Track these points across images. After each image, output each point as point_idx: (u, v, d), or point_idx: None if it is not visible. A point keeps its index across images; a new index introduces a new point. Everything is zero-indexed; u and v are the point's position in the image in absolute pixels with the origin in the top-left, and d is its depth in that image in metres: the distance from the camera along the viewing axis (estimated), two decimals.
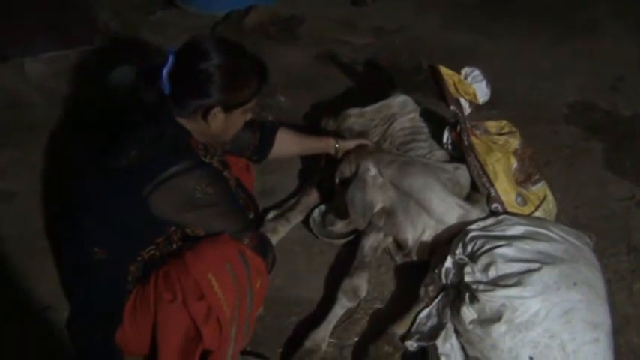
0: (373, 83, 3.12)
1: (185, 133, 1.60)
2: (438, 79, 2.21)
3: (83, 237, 1.61)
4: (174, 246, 1.65)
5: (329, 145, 2.20)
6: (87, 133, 2.59)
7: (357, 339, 1.96)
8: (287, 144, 2.10)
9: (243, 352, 1.82)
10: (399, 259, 2.18)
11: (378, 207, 2.12)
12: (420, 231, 2.09)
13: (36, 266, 2.05)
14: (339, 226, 2.25)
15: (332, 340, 1.93)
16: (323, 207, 2.33)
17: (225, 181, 1.73)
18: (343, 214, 2.14)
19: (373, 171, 2.09)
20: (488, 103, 2.46)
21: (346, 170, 2.18)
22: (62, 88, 2.96)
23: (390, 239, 2.18)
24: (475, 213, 2.02)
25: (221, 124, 1.62)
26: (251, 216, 1.86)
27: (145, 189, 1.49)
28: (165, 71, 1.52)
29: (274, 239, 2.17)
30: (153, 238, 1.62)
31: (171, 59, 1.53)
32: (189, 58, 1.54)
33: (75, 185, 1.68)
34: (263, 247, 1.74)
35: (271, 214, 2.31)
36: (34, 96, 2.91)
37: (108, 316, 1.62)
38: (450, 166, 2.14)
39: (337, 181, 2.22)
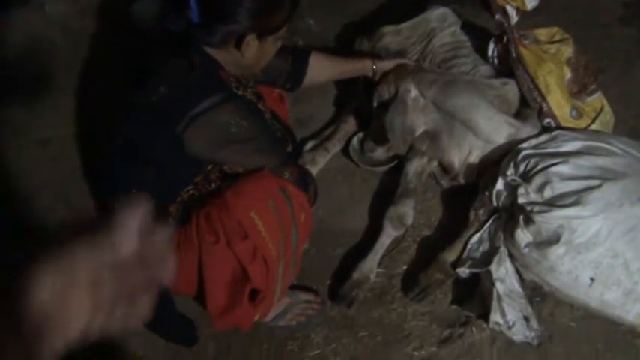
0: None
1: (215, 65, 1.50)
2: None
3: (119, 179, 1.57)
4: (213, 185, 1.60)
5: (366, 67, 2.06)
6: (116, 71, 2.52)
7: (405, 267, 1.92)
8: (321, 68, 1.98)
9: (292, 287, 1.80)
10: (445, 183, 2.09)
11: (420, 130, 2.01)
12: (466, 153, 1.98)
13: (75, 213, 2.04)
14: (379, 152, 2.16)
15: (380, 270, 1.90)
16: (362, 134, 2.23)
17: (260, 113, 1.64)
18: (382, 139, 2.04)
19: (414, 92, 1.97)
20: (535, 9, 2.26)
21: (385, 92, 2.06)
22: (86, 26, 2.86)
23: (434, 163, 2.08)
24: (526, 130, 1.89)
25: (254, 52, 1.51)
26: (289, 148, 1.79)
27: (177, 126, 1.42)
28: None
29: (314, 170, 2.10)
30: (190, 178, 1.57)
31: None
32: None
33: (106, 126, 1.62)
34: (304, 180, 1.67)
35: (309, 145, 2.23)
36: (59, 37, 2.83)
37: None
38: (496, 82, 2.00)
39: (375, 104, 2.11)
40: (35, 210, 2.07)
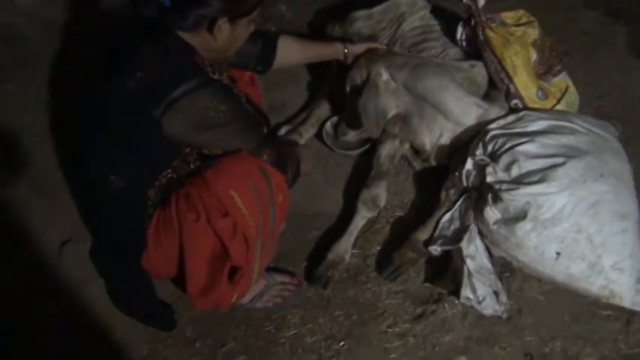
0: None
1: (190, 50, 1.51)
2: None
3: (97, 165, 1.55)
4: (192, 166, 1.61)
5: (337, 50, 2.08)
6: (86, 59, 2.49)
7: (379, 248, 1.96)
8: (291, 50, 2.00)
9: (268, 269, 1.82)
10: (418, 165, 2.13)
11: (391, 113, 2.05)
12: (437, 135, 2.02)
13: (51, 201, 2.03)
14: (351, 136, 2.18)
15: (355, 251, 1.94)
16: (335, 119, 2.26)
17: (237, 97, 1.66)
18: (355, 123, 2.07)
19: (385, 75, 2.00)
20: None
21: (357, 77, 2.09)
22: (56, 15, 2.83)
23: (406, 146, 2.12)
24: (494, 111, 1.94)
25: (227, 36, 1.53)
26: (265, 131, 1.81)
27: (155, 111, 1.42)
28: None
29: None
30: (169, 162, 1.58)
31: None
32: None
33: (82, 112, 1.60)
34: (282, 161, 1.71)
35: (283, 130, 2.25)
36: (29, 27, 2.79)
37: (131, 242, 1.61)
38: (465, 64, 2.03)
39: (348, 89, 2.13)
40: (10, 200, 2.06)
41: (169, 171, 1.58)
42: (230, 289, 1.60)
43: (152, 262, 1.62)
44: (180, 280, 1.67)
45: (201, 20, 1.47)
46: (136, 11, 1.46)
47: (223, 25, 1.49)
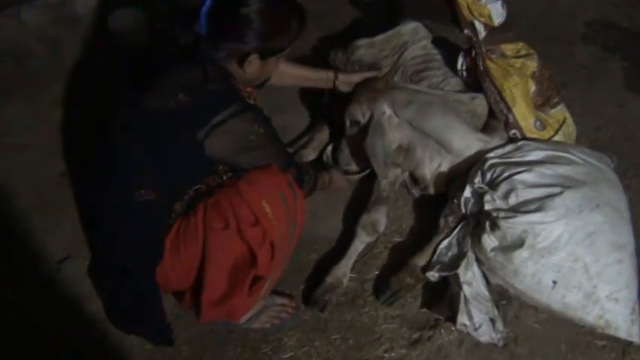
0: (381, 12, 3.00)
1: (228, 75, 1.58)
2: (450, 2, 2.11)
3: (126, 179, 1.55)
4: (224, 177, 1.66)
5: (328, 78, 2.14)
6: (92, 78, 2.54)
7: (377, 272, 1.97)
8: (283, 69, 2.02)
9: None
10: (416, 192, 2.15)
11: (394, 145, 2.06)
12: (436, 165, 2.04)
13: (50, 217, 2.05)
14: (354, 165, 2.20)
15: (353, 275, 1.94)
16: (335, 144, 2.28)
17: (270, 120, 1.71)
18: (361, 162, 2.11)
19: (388, 112, 2.01)
20: (503, 25, 2.35)
21: (357, 113, 2.06)
22: (62, 35, 2.87)
23: (407, 173, 2.14)
24: (494, 142, 1.97)
25: (255, 70, 1.60)
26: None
27: (198, 133, 1.47)
28: (203, 11, 1.49)
29: None
30: (202, 177, 1.62)
31: (210, 1, 1.49)
32: (230, 1, 1.50)
33: (112, 129, 1.59)
34: (301, 178, 1.77)
35: None
36: (35, 46, 2.84)
37: (147, 254, 1.59)
38: (466, 97, 2.06)
39: (347, 123, 2.13)
40: (11, 214, 2.08)
41: (200, 185, 1.62)
42: (247, 299, 1.62)
43: (166, 272, 1.62)
44: (193, 289, 1.67)
45: (234, 53, 1.53)
46: (172, 36, 1.52)
47: (254, 61, 1.56)
